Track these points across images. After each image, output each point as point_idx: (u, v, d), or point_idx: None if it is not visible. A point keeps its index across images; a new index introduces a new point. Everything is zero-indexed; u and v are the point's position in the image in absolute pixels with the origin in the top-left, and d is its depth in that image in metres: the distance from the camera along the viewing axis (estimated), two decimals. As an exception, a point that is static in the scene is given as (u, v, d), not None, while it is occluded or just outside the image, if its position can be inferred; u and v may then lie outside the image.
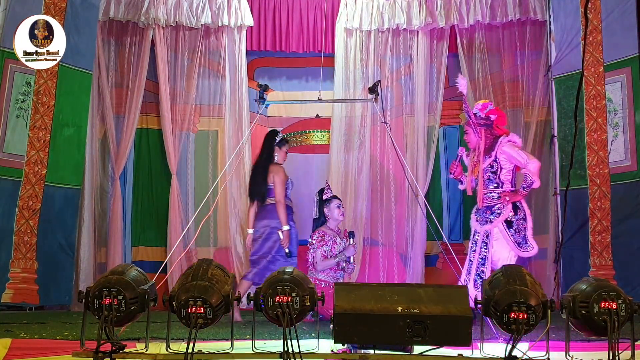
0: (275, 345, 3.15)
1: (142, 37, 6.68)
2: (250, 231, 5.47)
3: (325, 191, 5.70)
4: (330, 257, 5.47)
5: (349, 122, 6.73)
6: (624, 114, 5.76)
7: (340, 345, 2.98)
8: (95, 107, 6.50)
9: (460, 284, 4.95)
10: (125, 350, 2.88)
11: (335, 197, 5.69)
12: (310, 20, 6.82)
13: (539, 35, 6.67)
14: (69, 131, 6.11)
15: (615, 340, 2.72)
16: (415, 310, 2.83)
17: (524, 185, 4.87)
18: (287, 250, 5.26)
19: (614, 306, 2.75)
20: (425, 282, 6.32)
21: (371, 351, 2.92)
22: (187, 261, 6.11)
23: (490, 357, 2.89)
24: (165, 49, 6.70)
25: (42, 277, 5.82)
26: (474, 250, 4.96)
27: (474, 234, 5.03)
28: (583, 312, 2.80)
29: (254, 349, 2.93)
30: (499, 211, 4.89)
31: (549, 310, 2.83)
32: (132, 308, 2.80)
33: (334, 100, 6.63)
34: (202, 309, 2.75)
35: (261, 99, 5.80)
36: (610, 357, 2.72)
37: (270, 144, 5.52)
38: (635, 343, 2.85)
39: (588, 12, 5.76)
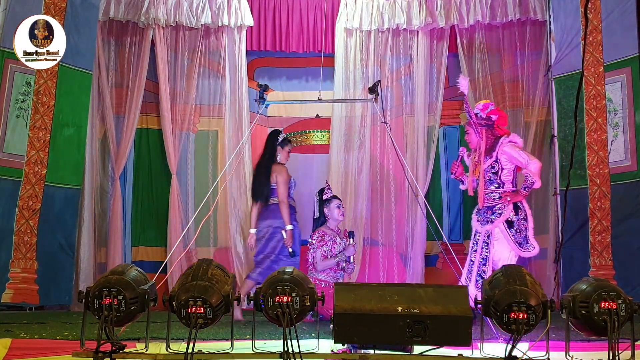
0: (275, 345, 3.15)
1: (142, 37, 6.67)
2: (252, 231, 5.47)
3: (325, 191, 5.70)
4: (330, 257, 5.47)
5: (349, 122, 6.72)
6: (624, 114, 5.75)
7: (340, 345, 2.98)
8: (95, 107, 6.50)
9: (460, 284, 4.95)
10: (125, 350, 2.88)
11: (335, 197, 5.69)
12: (310, 20, 6.82)
13: (539, 35, 6.67)
14: (69, 131, 6.11)
15: (615, 340, 2.72)
16: (415, 310, 2.83)
17: (525, 186, 4.87)
18: (290, 250, 5.27)
19: (614, 306, 2.75)
20: (425, 282, 6.32)
21: (371, 351, 2.91)
22: (187, 261, 6.11)
23: (490, 357, 2.89)
24: (165, 49, 6.69)
25: (42, 277, 5.82)
26: (475, 251, 4.96)
27: (474, 234, 5.04)
28: (583, 312, 2.80)
29: (254, 349, 2.93)
30: (500, 211, 4.89)
31: (549, 310, 2.83)
32: (132, 308, 2.80)
33: (334, 100, 6.62)
34: (202, 309, 2.75)
35: (261, 99, 5.79)
36: (610, 357, 2.72)
37: (272, 143, 5.52)
38: (635, 343, 2.85)
39: (588, 12, 5.76)
